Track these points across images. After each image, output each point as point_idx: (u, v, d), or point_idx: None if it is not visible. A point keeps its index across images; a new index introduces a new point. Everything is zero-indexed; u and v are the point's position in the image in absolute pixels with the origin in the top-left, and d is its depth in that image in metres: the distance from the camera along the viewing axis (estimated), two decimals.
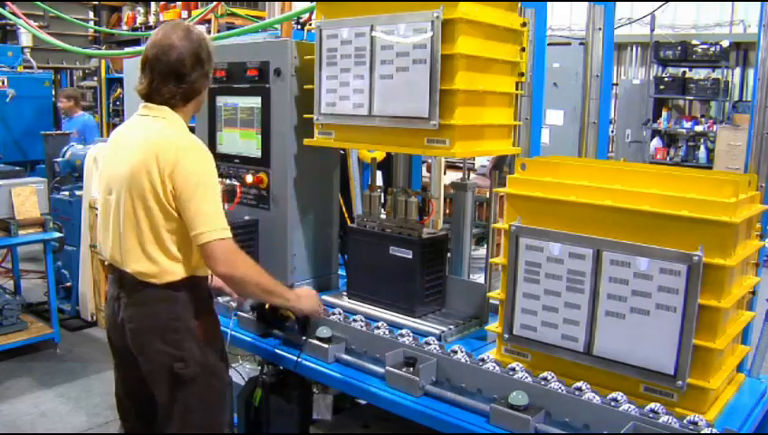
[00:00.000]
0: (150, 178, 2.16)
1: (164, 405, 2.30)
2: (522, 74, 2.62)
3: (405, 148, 2.60)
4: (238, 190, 2.97)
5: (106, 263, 2.41)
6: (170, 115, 2.29)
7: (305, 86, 2.82)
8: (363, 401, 2.64)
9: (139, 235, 2.21)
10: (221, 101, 3.08)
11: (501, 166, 2.73)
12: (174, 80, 2.26)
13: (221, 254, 2.15)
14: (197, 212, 2.15)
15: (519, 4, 2.60)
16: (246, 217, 2.97)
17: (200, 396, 2.29)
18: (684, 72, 10.68)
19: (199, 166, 2.20)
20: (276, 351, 2.56)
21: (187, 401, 2.27)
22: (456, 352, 2.21)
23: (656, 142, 10.81)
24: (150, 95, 2.30)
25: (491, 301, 2.64)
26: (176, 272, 2.24)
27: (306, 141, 2.82)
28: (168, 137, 2.22)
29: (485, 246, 2.98)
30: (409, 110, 2.47)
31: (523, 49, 2.63)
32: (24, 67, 9.58)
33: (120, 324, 2.31)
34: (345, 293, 2.98)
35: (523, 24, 2.60)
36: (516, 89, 2.64)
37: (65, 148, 5.98)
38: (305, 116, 2.81)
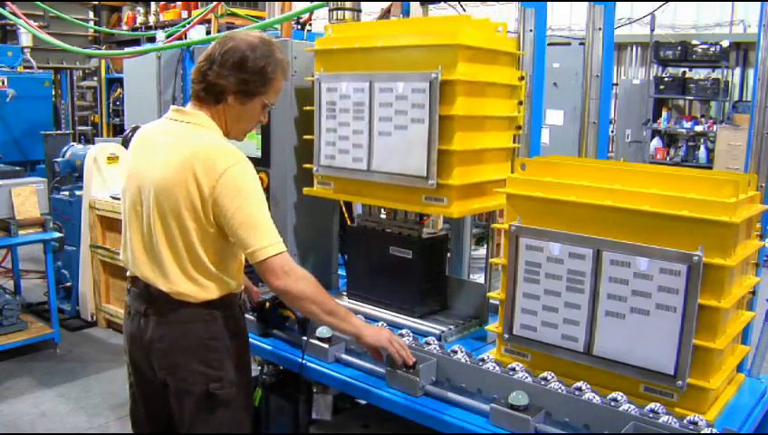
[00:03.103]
0: (189, 196, 2.03)
1: (189, 425, 2.19)
2: (519, 127, 2.66)
3: (403, 204, 2.61)
4: None
5: (128, 274, 2.26)
6: (207, 122, 2.14)
7: (304, 136, 2.85)
8: (363, 401, 2.64)
9: (176, 254, 2.09)
10: None
11: None
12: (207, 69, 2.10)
13: (279, 269, 2.03)
14: (249, 228, 2.02)
15: (517, 47, 2.63)
16: None
17: (232, 416, 2.21)
18: (684, 72, 10.68)
19: (244, 178, 2.05)
20: (276, 351, 2.56)
21: (220, 421, 2.18)
22: (455, 352, 2.21)
23: (656, 142, 10.80)
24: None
25: (491, 301, 2.64)
26: (213, 290, 2.14)
27: (306, 190, 2.87)
28: (207, 149, 2.06)
29: (485, 246, 2.98)
30: (408, 168, 2.50)
31: (521, 102, 2.68)
32: (24, 67, 9.59)
33: (147, 342, 2.18)
34: (345, 293, 2.98)
35: (521, 78, 2.64)
36: (513, 142, 2.68)
37: (65, 148, 5.97)
38: (305, 166, 2.85)
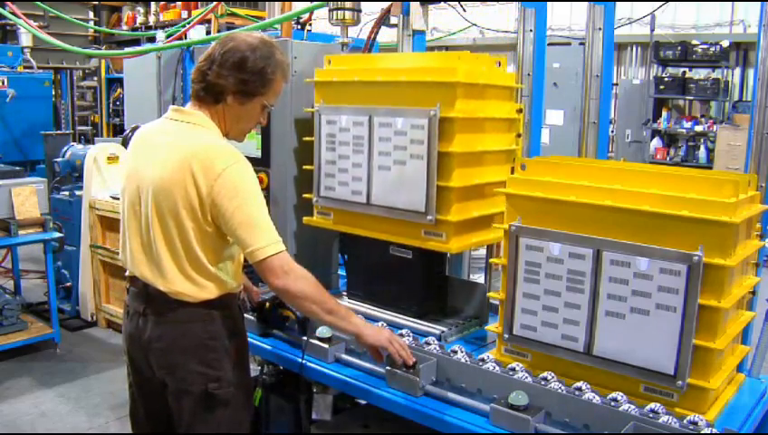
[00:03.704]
0: (187, 196, 2.02)
1: (188, 424, 2.19)
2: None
3: (402, 238, 2.62)
4: None
5: (127, 274, 2.26)
6: (206, 122, 2.14)
7: (304, 166, 2.87)
8: (363, 401, 2.64)
9: (174, 253, 2.09)
10: None
11: None
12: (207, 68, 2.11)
13: (279, 268, 2.03)
14: (248, 228, 2.02)
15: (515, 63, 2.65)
16: None
17: (232, 416, 2.21)
18: (684, 72, 10.67)
19: (242, 178, 2.05)
20: (276, 351, 2.56)
21: (219, 421, 2.18)
22: (455, 352, 2.21)
23: (656, 142, 10.80)
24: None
25: (491, 301, 2.64)
26: (211, 290, 2.13)
27: (306, 220, 2.89)
28: (205, 148, 2.05)
29: (485, 246, 2.97)
30: (406, 203, 2.52)
31: (519, 135, 2.70)
32: (24, 67, 9.59)
33: (145, 341, 2.18)
34: (345, 293, 2.98)
35: (519, 111, 2.66)
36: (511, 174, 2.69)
37: (65, 148, 5.97)
38: (305, 196, 2.86)
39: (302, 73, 2.86)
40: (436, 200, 2.45)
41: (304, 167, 2.86)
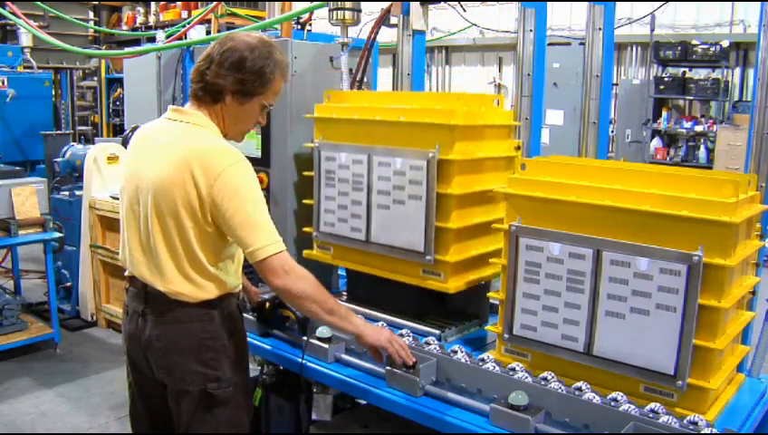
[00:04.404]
0: (187, 196, 2.02)
1: (187, 424, 2.18)
2: None
3: (401, 276, 2.63)
4: None
5: (126, 274, 2.25)
6: (205, 122, 2.13)
7: (304, 200, 2.88)
8: (363, 401, 2.64)
9: (173, 253, 2.08)
10: None
11: None
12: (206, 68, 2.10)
13: (279, 268, 2.02)
14: (249, 227, 2.01)
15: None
16: None
17: (231, 416, 2.21)
18: (684, 72, 10.67)
19: (242, 178, 2.04)
20: (276, 351, 2.56)
21: (218, 421, 2.18)
22: (455, 352, 2.21)
23: (656, 142, 10.79)
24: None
25: (491, 301, 2.64)
26: (210, 290, 2.13)
27: (306, 253, 2.91)
28: (205, 148, 2.05)
29: None
30: (405, 242, 2.54)
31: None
32: (24, 67, 9.59)
33: (145, 341, 2.18)
34: (345, 293, 2.98)
35: (517, 148, 2.68)
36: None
37: (65, 148, 5.97)
38: (304, 229, 2.87)
39: (302, 73, 2.86)
40: (435, 241, 2.47)
41: (304, 201, 2.88)
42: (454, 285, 2.51)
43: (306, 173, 2.86)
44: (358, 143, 2.64)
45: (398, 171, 2.52)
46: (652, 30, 10.26)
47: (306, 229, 2.86)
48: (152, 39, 9.14)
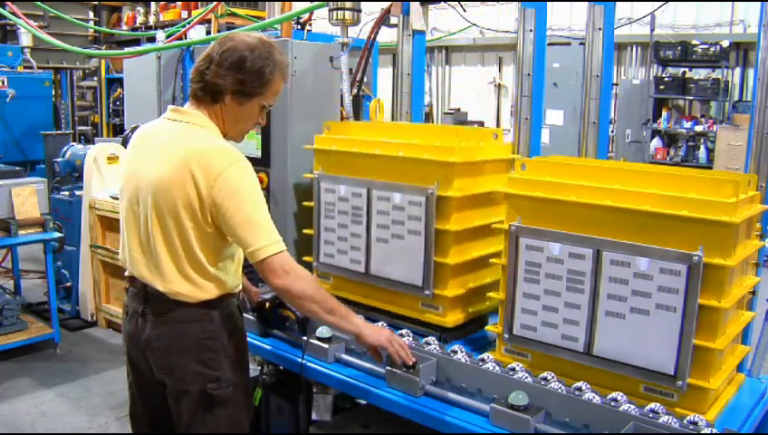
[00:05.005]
0: (187, 196, 2.02)
1: (187, 424, 2.18)
2: None
3: (400, 308, 2.65)
4: None
5: (126, 274, 2.25)
6: (205, 122, 2.13)
7: (304, 230, 2.88)
8: (363, 401, 2.64)
9: (173, 254, 2.08)
10: None
11: None
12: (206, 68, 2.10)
13: (279, 267, 2.02)
14: (249, 227, 2.01)
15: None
16: None
17: (231, 416, 2.21)
18: (684, 72, 10.66)
19: (242, 178, 2.04)
20: (276, 351, 2.56)
21: (218, 421, 2.18)
22: (455, 352, 2.21)
23: (656, 142, 10.79)
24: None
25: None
26: (210, 290, 2.13)
27: None
28: (205, 149, 2.05)
29: None
30: (404, 276, 2.55)
31: None
32: (24, 67, 9.59)
33: (144, 342, 2.18)
34: None
35: None
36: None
37: (65, 148, 5.97)
38: (304, 259, 2.87)
39: (302, 73, 2.86)
40: (434, 276, 2.48)
41: (304, 231, 2.89)
42: (452, 319, 2.53)
43: (306, 203, 2.86)
44: (357, 176, 2.65)
45: (398, 206, 2.53)
46: (652, 30, 10.26)
47: (306, 259, 2.88)
48: (152, 39, 9.14)
